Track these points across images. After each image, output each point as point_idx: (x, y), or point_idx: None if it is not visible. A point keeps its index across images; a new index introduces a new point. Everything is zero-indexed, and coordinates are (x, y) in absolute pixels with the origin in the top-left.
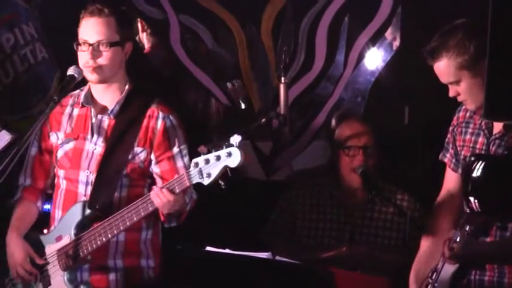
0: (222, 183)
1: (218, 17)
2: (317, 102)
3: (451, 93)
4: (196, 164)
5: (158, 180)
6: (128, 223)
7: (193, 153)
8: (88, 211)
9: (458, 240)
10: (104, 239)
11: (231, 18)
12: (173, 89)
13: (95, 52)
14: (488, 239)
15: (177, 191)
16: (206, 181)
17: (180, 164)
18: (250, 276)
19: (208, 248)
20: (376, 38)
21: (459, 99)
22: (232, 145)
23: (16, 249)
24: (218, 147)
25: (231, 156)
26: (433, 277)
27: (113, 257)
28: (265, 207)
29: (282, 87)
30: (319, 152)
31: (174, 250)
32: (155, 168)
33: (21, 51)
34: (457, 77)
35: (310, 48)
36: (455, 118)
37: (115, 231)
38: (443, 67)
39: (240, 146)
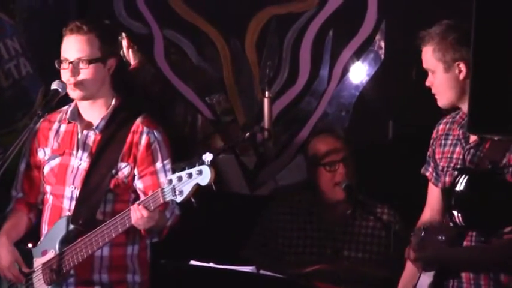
0: (194, 201)
1: (202, 31)
2: (301, 117)
3: (427, 82)
4: (170, 181)
5: (141, 195)
6: (106, 239)
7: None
8: (71, 226)
9: (413, 242)
10: (85, 254)
11: (215, 32)
12: (161, 104)
13: (75, 69)
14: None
15: (152, 207)
16: (179, 199)
17: (162, 179)
18: None
19: (193, 262)
20: (360, 52)
21: (432, 91)
22: (203, 163)
23: (4, 253)
24: (191, 165)
25: (201, 174)
26: None
27: (98, 272)
28: (250, 222)
29: (266, 101)
30: (303, 167)
31: (158, 265)
32: (138, 184)
33: (6, 65)
34: (434, 66)
35: (294, 63)
36: (435, 131)
37: (95, 247)
38: (427, 53)
39: (210, 164)
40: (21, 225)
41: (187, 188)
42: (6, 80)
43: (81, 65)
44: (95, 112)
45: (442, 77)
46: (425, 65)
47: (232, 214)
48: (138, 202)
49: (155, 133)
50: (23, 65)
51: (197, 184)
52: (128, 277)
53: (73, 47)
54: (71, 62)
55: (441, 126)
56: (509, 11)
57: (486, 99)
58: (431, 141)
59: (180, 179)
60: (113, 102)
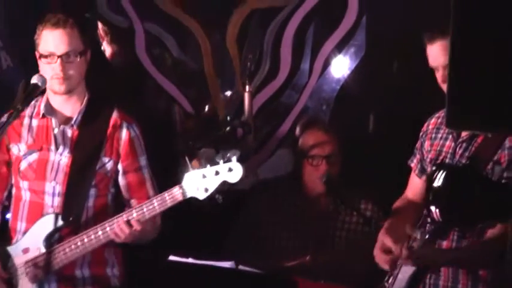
0: (220, 197)
1: (183, 24)
2: (282, 111)
3: (442, 78)
4: (191, 178)
5: (124, 191)
6: (96, 244)
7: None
8: (60, 223)
9: (418, 238)
10: (76, 254)
11: (196, 26)
12: (134, 97)
13: (65, 63)
14: (445, 243)
15: (169, 205)
16: (202, 195)
17: (147, 175)
18: (214, 285)
19: (172, 258)
20: (342, 46)
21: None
22: (231, 160)
23: None
24: (213, 162)
25: (231, 171)
26: (389, 281)
27: (80, 267)
28: (230, 216)
29: (246, 95)
30: (284, 161)
31: (137, 259)
32: (122, 179)
33: None
34: None
35: (276, 57)
36: (426, 125)
37: (88, 248)
38: (446, 46)
39: (239, 160)
40: None
41: (213, 184)
42: None
43: (71, 58)
44: (69, 106)
45: None
46: (443, 61)
47: (212, 208)
48: (153, 197)
49: (134, 127)
50: (4, 59)
51: (224, 181)
52: (108, 271)
53: (61, 40)
54: (59, 56)
55: (433, 120)
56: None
57: (464, 95)
58: (421, 134)
59: (204, 176)
60: (86, 95)
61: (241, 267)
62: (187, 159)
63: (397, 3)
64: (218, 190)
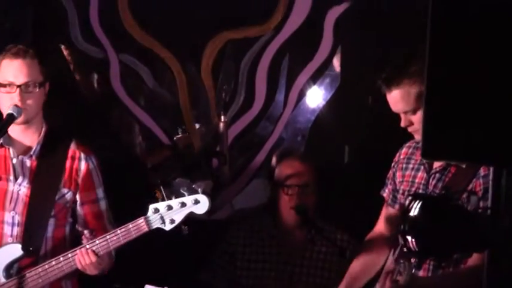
0: (186, 228)
1: (158, 56)
2: (257, 142)
3: (404, 123)
4: (157, 210)
5: (80, 221)
6: (59, 274)
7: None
8: (19, 253)
9: (404, 272)
10: (37, 285)
11: (171, 57)
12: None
13: (23, 93)
14: (421, 273)
15: (134, 236)
16: (168, 227)
17: (103, 207)
18: None
19: (147, 287)
20: (316, 77)
21: (410, 129)
22: (197, 192)
23: None
24: (179, 194)
25: (198, 203)
26: None
27: None
28: (205, 247)
29: (221, 126)
30: (259, 191)
31: None
32: (79, 210)
33: None
34: (416, 104)
35: (251, 87)
36: (397, 154)
37: (50, 278)
38: (403, 94)
39: (205, 192)
40: None
41: (179, 216)
42: None
43: (30, 89)
44: (28, 137)
45: None
46: (402, 108)
47: (188, 238)
48: (117, 229)
49: (92, 159)
50: None
51: (191, 213)
52: None
53: (21, 71)
54: (18, 86)
55: (404, 150)
56: (461, 34)
57: (439, 125)
58: (393, 164)
59: (169, 207)
60: (44, 127)
61: None
62: (161, 189)
63: (372, 34)
64: (184, 222)
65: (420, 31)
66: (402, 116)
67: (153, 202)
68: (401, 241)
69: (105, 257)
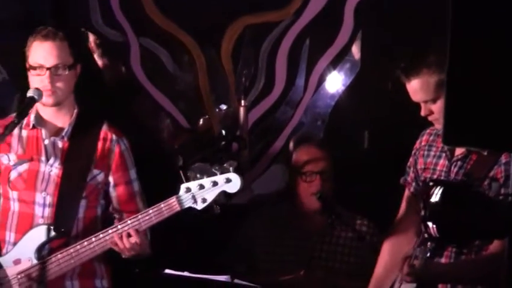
0: (218, 208)
1: (178, 40)
2: (276, 126)
3: (424, 112)
4: (188, 189)
5: (115, 203)
6: (91, 255)
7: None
8: (52, 234)
9: (420, 256)
10: (69, 266)
11: (191, 41)
12: (126, 111)
13: (53, 76)
14: (443, 260)
15: (166, 215)
16: (200, 206)
17: (136, 188)
18: None
19: (167, 271)
20: (337, 62)
21: (430, 118)
22: (229, 170)
23: None
24: (211, 173)
25: (230, 182)
26: None
27: (69, 278)
28: (225, 230)
29: (241, 110)
30: (278, 176)
31: (133, 273)
32: (112, 191)
33: None
34: (435, 94)
35: (270, 72)
36: (418, 142)
37: (83, 259)
38: (422, 84)
39: (237, 171)
40: None
41: (211, 195)
42: None
43: (60, 71)
44: (59, 118)
45: None
46: (422, 98)
47: (207, 222)
48: (152, 207)
49: (124, 141)
50: None
51: (223, 192)
52: (97, 282)
53: (50, 53)
54: (48, 68)
55: (424, 137)
56: (483, 22)
57: (460, 111)
58: (413, 151)
59: (201, 187)
60: (76, 109)
61: (236, 281)
62: (181, 172)
63: (392, 19)
64: (216, 201)
65: (440, 18)
66: (422, 105)
67: (181, 183)
68: (422, 227)
69: (142, 237)
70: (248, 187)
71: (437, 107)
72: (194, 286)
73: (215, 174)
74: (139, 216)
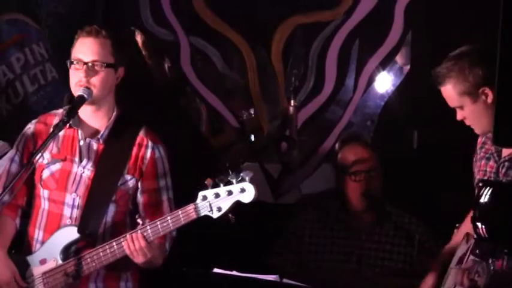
0: (233, 217)
1: (228, 39)
2: (326, 126)
3: (459, 117)
4: (205, 197)
5: (140, 209)
6: (111, 259)
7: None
8: (77, 235)
9: (482, 274)
10: (92, 268)
11: (241, 40)
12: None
13: (89, 71)
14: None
15: (182, 222)
16: (216, 214)
17: (164, 197)
18: None
19: (216, 270)
20: (386, 63)
21: (466, 122)
22: (244, 180)
23: (3, 269)
24: (227, 182)
25: (244, 191)
26: None
27: (94, 281)
28: (273, 230)
29: (291, 110)
30: (327, 176)
31: (180, 272)
32: (139, 198)
33: (31, 71)
34: (460, 102)
35: (320, 72)
36: (476, 146)
37: (104, 262)
38: (448, 92)
39: (252, 181)
40: (10, 233)
41: (226, 204)
42: (32, 85)
43: (96, 67)
44: (97, 120)
45: (472, 109)
46: (451, 104)
47: (256, 222)
48: (167, 214)
49: (160, 148)
50: (49, 71)
51: (238, 201)
52: (121, 284)
53: (90, 48)
54: (85, 63)
55: (478, 139)
56: None
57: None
58: (473, 155)
59: (217, 195)
60: (115, 112)
61: (285, 280)
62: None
63: (442, 20)
64: (231, 210)
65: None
66: (457, 110)
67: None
68: (472, 228)
69: (155, 246)
70: (297, 187)
71: (467, 114)
72: (243, 285)
73: (231, 183)
74: (158, 222)
